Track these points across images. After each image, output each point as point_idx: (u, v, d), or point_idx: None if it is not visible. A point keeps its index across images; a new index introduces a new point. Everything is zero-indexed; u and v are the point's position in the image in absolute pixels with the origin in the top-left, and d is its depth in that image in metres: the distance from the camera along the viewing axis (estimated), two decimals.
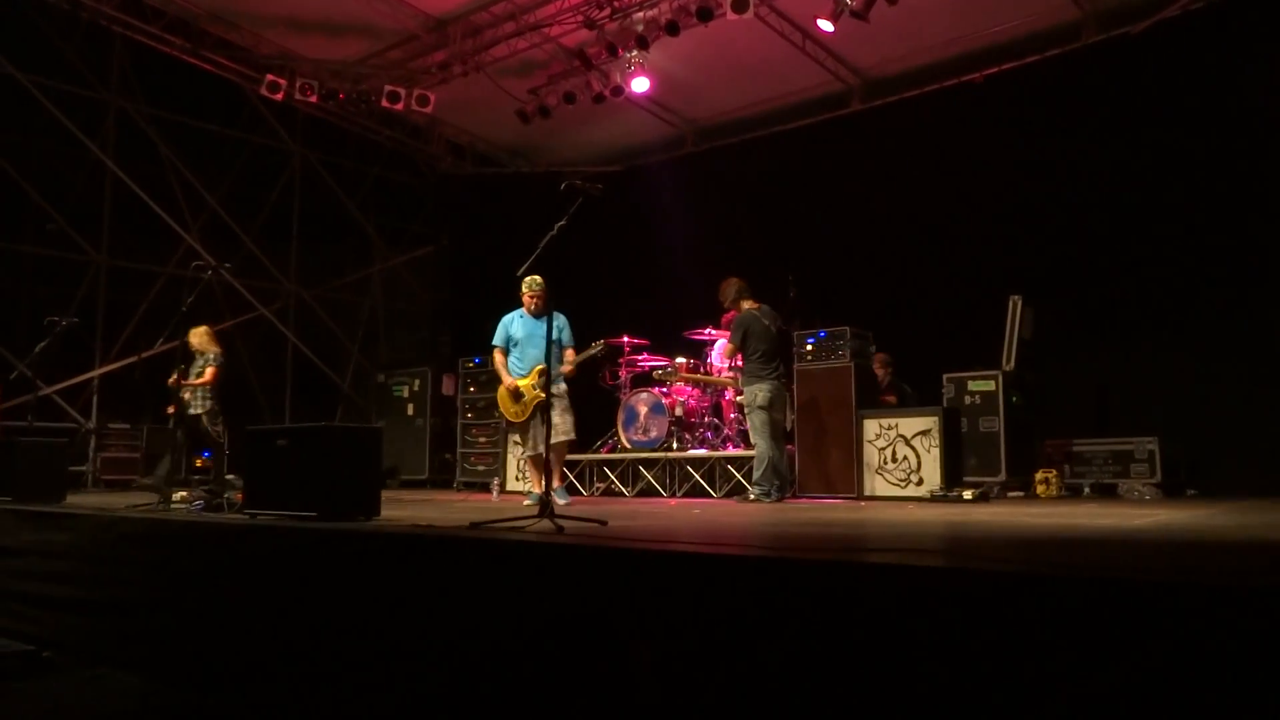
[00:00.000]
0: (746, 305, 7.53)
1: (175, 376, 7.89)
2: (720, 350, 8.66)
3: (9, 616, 5.20)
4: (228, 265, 7.43)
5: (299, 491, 4.40)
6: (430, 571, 3.30)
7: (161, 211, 11.05)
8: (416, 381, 11.73)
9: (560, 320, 6.87)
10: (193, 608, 4.17)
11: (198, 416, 8.00)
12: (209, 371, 8.08)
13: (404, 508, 5.99)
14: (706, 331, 9.16)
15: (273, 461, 4.62)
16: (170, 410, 8.04)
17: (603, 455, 9.50)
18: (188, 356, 8.18)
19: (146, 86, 11.29)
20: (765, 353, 7.35)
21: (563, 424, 6.91)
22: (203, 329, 8.36)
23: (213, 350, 8.28)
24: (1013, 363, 8.08)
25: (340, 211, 13.31)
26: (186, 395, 8.01)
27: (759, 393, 7.28)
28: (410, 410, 11.66)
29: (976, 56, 9.90)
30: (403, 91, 10.97)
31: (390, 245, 14.06)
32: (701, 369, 9.15)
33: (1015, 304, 8.20)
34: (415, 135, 13.36)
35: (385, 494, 4.88)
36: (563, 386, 7.00)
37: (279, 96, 10.97)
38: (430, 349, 13.61)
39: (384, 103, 11.05)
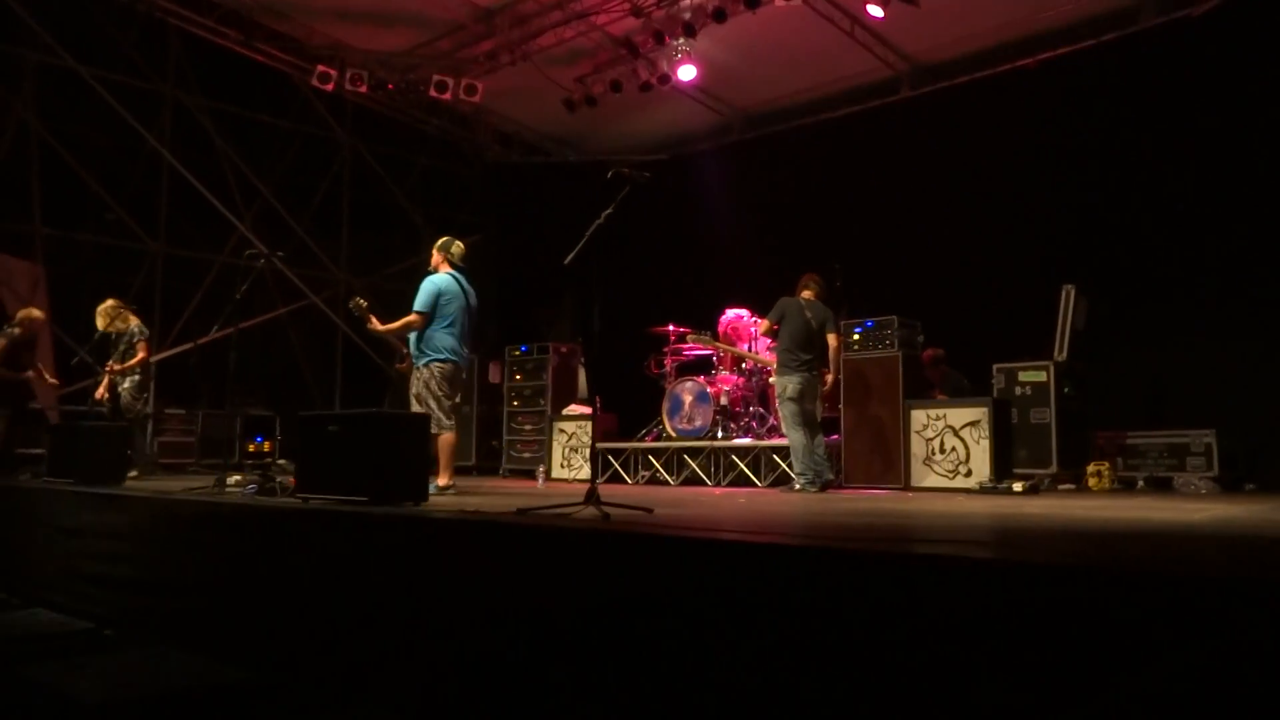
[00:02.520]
0: (802, 294, 7.56)
1: (111, 364, 8.00)
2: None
3: (71, 595, 5.35)
4: (280, 254, 7.54)
5: (350, 476, 4.47)
6: (478, 556, 3.34)
7: (215, 201, 11.24)
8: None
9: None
10: (247, 588, 4.27)
11: (121, 393, 8.09)
12: (141, 349, 8.12)
13: (452, 494, 6.05)
14: (752, 320, 9.15)
15: (324, 447, 4.70)
16: (102, 394, 8.18)
17: (648, 444, 9.52)
18: (104, 337, 8.20)
19: (201, 78, 11.50)
20: (795, 343, 7.36)
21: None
22: (110, 304, 8.26)
23: (134, 323, 8.28)
24: (1065, 353, 7.95)
25: (389, 200, 13.45)
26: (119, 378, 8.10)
27: (789, 384, 7.31)
28: (457, 398, 11.76)
29: (1030, 41, 9.70)
30: (451, 81, 11.05)
31: (438, 234, 14.13)
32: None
33: (1068, 293, 8.06)
34: (463, 125, 13.44)
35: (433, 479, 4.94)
36: (418, 368, 6.21)
37: (329, 87, 11.10)
38: (477, 336, 13.70)
39: (432, 92, 11.13)
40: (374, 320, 6.25)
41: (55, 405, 10.24)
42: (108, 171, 10.79)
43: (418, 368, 6.22)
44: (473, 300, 6.51)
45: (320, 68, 10.99)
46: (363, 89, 11.22)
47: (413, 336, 6.28)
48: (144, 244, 11.21)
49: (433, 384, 6.16)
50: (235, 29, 10.89)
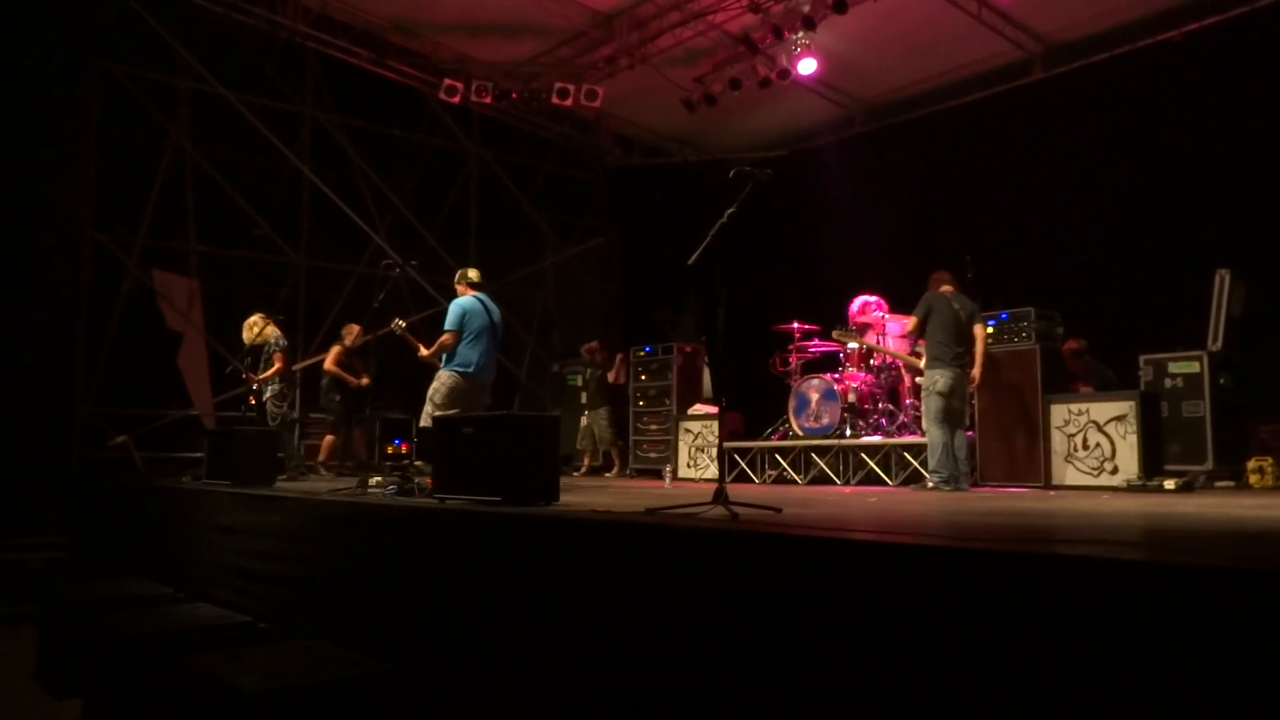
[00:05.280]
0: (943, 288, 7.37)
1: (246, 375, 8.43)
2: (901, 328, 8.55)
3: (231, 590, 5.69)
4: (414, 263, 7.83)
5: (484, 477, 4.60)
6: (609, 555, 3.38)
7: (353, 214, 11.73)
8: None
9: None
10: (389, 584, 4.45)
11: (265, 402, 8.53)
12: (277, 360, 8.55)
13: (580, 494, 6.15)
14: (882, 316, 8.96)
15: (459, 449, 4.85)
16: (251, 401, 8.65)
17: (774, 442, 9.44)
18: (254, 350, 8.67)
19: (337, 97, 12.05)
20: (948, 336, 7.16)
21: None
22: (252, 318, 8.74)
23: (272, 336, 8.67)
24: (1220, 342, 7.47)
25: (514, 207, 13.76)
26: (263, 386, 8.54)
27: (939, 379, 7.10)
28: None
29: (1174, 12, 9.18)
30: (572, 87, 11.23)
31: (562, 238, 14.43)
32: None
33: (1223, 279, 7.57)
34: (584, 130, 13.64)
35: (562, 480, 5.03)
36: (438, 377, 6.87)
37: (456, 99, 11.46)
38: (602, 338, 13.88)
39: (554, 99, 11.35)
40: (420, 345, 6.91)
41: (211, 411, 10.91)
42: (254, 190, 11.41)
43: (439, 371, 6.85)
44: (496, 317, 7.04)
45: (447, 81, 11.36)
46: (487, 99, 11.54)
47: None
48: (288, 257, 11.80)
49: (440, 389, 6.78)
50: (367, 49, 11.36)
